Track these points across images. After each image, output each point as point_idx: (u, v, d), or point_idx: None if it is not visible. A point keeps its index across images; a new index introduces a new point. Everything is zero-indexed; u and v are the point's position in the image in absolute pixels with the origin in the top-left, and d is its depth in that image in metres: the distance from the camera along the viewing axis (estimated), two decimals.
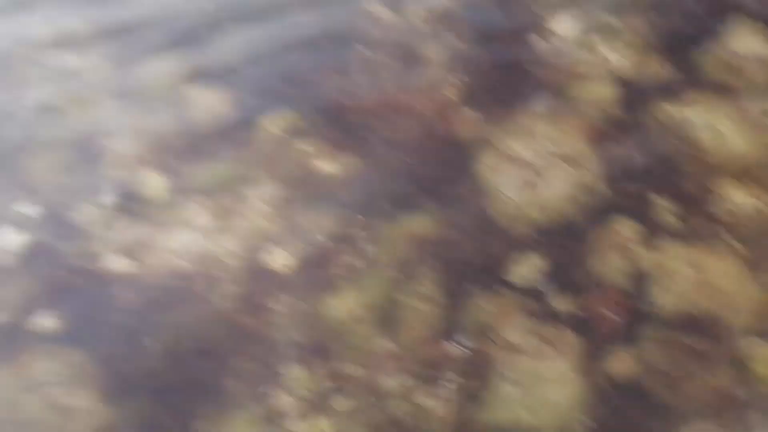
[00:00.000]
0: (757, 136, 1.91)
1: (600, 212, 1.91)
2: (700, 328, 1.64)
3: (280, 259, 2.04)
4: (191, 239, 2.17)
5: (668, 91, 2.09)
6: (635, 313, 1.70)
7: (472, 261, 1.90)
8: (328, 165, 2.20)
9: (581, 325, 1.71)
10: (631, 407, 1.58)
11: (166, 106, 2.56)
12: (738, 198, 1.83)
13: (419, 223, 2.00)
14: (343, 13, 2.63)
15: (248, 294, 2.01)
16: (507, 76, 2.31)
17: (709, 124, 1.97)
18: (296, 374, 1.82)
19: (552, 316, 1.74)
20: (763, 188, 1.83)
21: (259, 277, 2.04)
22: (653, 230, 1.83)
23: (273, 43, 2.60)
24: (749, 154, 1.89)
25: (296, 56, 2.53)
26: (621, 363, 1.63)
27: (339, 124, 2.30)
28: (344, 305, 1.88)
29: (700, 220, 1.83)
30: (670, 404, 1.56)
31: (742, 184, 1.85)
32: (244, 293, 2.01)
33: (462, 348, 1.75)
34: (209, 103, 2.52)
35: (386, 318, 1.85)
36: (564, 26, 2.42)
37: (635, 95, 2.12)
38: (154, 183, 2.36)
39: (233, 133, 2.42)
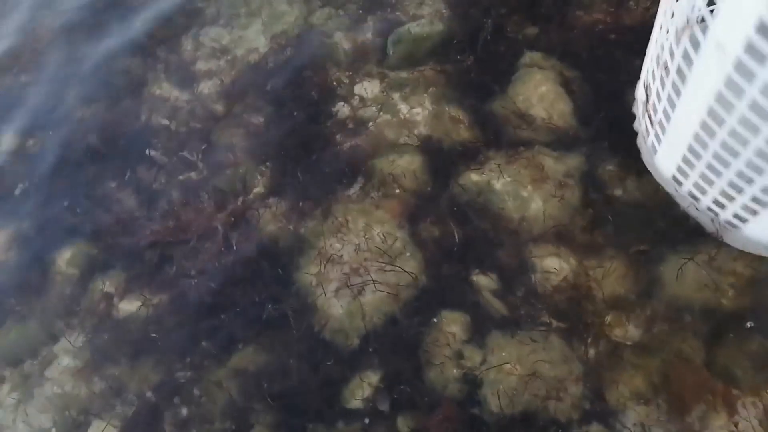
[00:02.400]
0: (561, 199, 1.89)
1: (425, 308, 1.83)
2: (535, 426, 1.62)
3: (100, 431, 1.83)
4: None
5: (470, 156, 2.03)
6: (473, 424, 1.66)
7: (307, 391, 1.78)
8: (132, 305, 1.98)
9: None
10: None
11: None
12: (551, 265, 1.82)
13: (244, 358, 1.85)
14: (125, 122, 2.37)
15: None
16: (313, 155, 2.16)
17: (513, 191, 1.93)
18: None
19: None
20: (572, 252, 1.83)
21: None
22: (479, 321, 1.78)
23: (51, 161, 2.30)
24: (555, 217, 1.88)
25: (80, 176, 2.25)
26: None
27: (137, 258, 2.06)
28: None
29: (520, 298, 1.80)
30: None
31: (554, 249, 1.84)
32: None
33: None
34: None
35: None
36: (365, 88, 2.30)
37: (440, 165, 2.04)
38: None
39: (23, 279, 2.13)
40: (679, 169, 1.71)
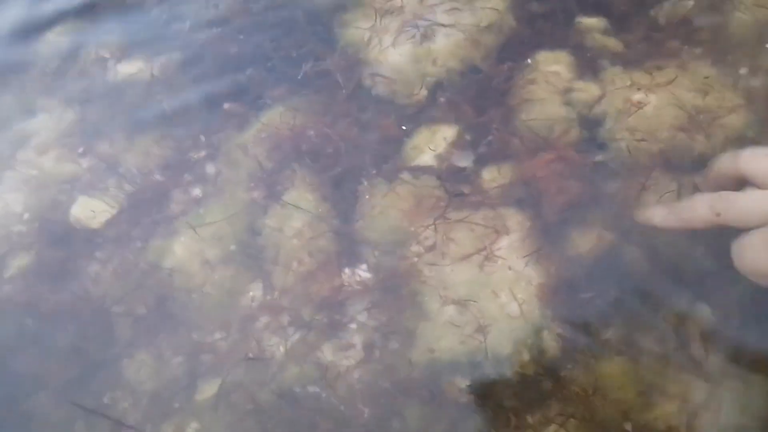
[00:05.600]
0: None
1: (515, 50, 1.40)
2: (680, 166, 1.18)
3: (89, 209, 1.41)
4: None
5: None
6: (590, 168, 1.22)
7: (360, 148, 1.35)
8: (133, 66, 1.55)
9: (524, 201, 1.22)
10: (605, 281, 1.11)
11: None
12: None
13: (275, 119, 1.42)
14: None
15: (53, 264, 1.37)
16: None
17: None
18: (141, 361, 1.22)
19: (483, 198, 1.23)
20: None
21: (65, 238, 1.40)
22: (589, 59, 1.34)
23: None
24: None
25: None
26: (584, 237, 1.15)
27: (141, 20, 1.64)
28: (187, 250, 1.29)
29: (640, 35, 1.36)
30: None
31: None
32: (47, 264, 1.37)
33: (366, 272, 1.21)
34: None
35: (251, 255, 1.28)
36: None
37: None
38: None
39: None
40: None
